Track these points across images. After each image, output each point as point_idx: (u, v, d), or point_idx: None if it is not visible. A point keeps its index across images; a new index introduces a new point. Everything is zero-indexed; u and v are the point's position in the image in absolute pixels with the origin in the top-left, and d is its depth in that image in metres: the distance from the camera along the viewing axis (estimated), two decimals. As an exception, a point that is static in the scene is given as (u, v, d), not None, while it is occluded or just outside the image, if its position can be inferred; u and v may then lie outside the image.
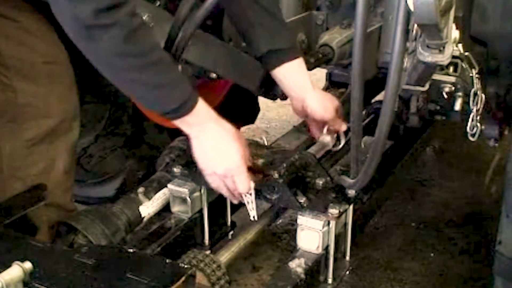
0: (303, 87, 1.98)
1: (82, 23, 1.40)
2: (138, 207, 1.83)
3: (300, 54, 1.95)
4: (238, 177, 1.65)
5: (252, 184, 1.68)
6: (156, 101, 1.59)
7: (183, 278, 1.24)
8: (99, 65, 1.50)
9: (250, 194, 1.69)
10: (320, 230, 1.70)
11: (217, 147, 1.65)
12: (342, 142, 2.10)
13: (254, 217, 1.75)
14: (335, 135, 2.09)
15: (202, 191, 1.90)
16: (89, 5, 1.37)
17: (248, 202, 1.70)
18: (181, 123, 1.63)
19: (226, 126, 1.67)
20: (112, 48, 1.44)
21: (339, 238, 1.80)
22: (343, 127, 2.06)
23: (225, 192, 1.72)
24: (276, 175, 1.68)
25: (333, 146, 2.10)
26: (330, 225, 1.71)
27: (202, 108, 1.62)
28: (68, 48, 1.73)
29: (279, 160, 1.73)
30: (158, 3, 2.05)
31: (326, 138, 2.07)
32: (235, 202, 1.77)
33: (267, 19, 1.91)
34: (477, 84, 1.97)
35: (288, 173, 1.71)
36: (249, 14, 1.91)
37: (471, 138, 1.96)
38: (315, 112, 2.00)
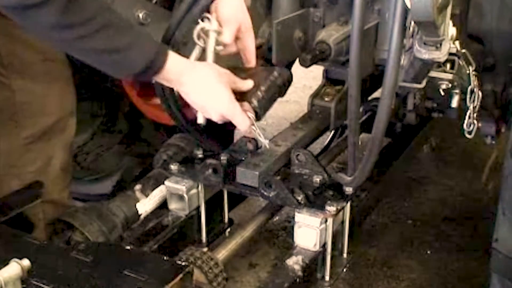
0: None
1: (20, 4, 1.32)
2: (135, 204, 1.83)
3: None
4: (234, 119, 1.62)
5: (251, 115, 1.65)
6: (117, 66, 1.49)
7: (180, 276, 1.24)
8: (45, 39, 1.44)
9: (253, 124, 1.67)
10: (318, 228, 1.70)
11: (203, 96, 1.59)
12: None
13: (265, 144, 1.75)
14: None
15: (199, 188, 1.90)
16: None
17: (254, 133, 1.70)
18: (159, 80, 1.56)
19: (204, 71, 1.60)
20: (52, 22, 1.35)
21: (336, 235, 1.81)
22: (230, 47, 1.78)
23: None
24: (255, 103, 1.65)
25: None
26: (328, 222, 1.71)
27: (175, 61, 1.53)
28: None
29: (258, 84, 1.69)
30: (154, 0, 2.05)
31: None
32: None
33: None
34: (474, 81, 1.98)
35: (268, 95, 1.69)
36: None
37: (468, 136, 1.96)
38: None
